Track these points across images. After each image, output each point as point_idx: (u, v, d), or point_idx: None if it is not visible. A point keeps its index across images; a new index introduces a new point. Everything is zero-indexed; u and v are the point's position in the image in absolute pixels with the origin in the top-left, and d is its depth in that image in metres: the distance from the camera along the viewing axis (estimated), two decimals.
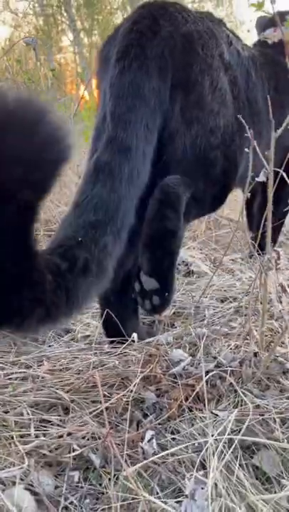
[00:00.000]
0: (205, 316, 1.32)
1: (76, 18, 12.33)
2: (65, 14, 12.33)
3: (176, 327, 1.32)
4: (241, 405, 0.91)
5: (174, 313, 1.40)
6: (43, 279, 0.70)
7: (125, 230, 0.91)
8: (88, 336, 1.29)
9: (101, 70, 1.15)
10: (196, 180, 1.12)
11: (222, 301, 1.44)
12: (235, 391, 0.95)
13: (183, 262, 1.82)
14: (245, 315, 1.20)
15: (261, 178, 0.92)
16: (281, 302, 0.97)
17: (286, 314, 0.95)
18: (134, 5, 12.34)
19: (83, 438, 0.86)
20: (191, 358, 1.06)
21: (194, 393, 0.95)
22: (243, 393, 0.94)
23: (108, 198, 0.89)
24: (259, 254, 1.02)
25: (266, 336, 1.08)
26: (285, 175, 1.05)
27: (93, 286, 0.82)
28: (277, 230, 1.80)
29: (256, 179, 0.95)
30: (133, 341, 1.13)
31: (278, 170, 0.98)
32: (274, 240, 1.72)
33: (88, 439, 0.86)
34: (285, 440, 0.81)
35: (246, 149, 1.00)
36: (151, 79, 1.02)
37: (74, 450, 0.83)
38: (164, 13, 1.09)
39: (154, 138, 1.02)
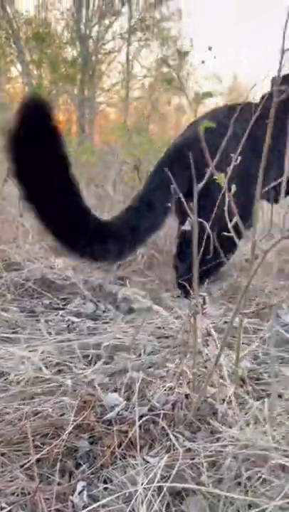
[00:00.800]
0: (141, 354, 1.33)
1: (25, 50, 12.44)
2: (13, 46, 12.41)
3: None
4: (173, 449, 0.93)
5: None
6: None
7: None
8: (22, 379, 1.26)
9: None
10: None
11: (158, 338, 1.47)
12: (167, 435, 0.96)
13: (124, 299, 1.84)
14: (179, 353, 1.22)
15: (186, 226, 0.97)
16: (208, 345, 1.01)
17: (213, 356, 0.98)
18: (83, 41, 12.69)
19: (12, 494, 0.84)
20: (125, 402, 1.06)
21: (127, 439, 0.95)
22: (175, 436, 0.95)
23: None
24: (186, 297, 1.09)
25: (199, 375, 1.12)
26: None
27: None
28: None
29: (182, 227, 1.00)
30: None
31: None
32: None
33: (18, 495, 0.84)
34: (211, 484, 0.82)
35: None
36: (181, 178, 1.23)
37: (2, 509, 0.80)
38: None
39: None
